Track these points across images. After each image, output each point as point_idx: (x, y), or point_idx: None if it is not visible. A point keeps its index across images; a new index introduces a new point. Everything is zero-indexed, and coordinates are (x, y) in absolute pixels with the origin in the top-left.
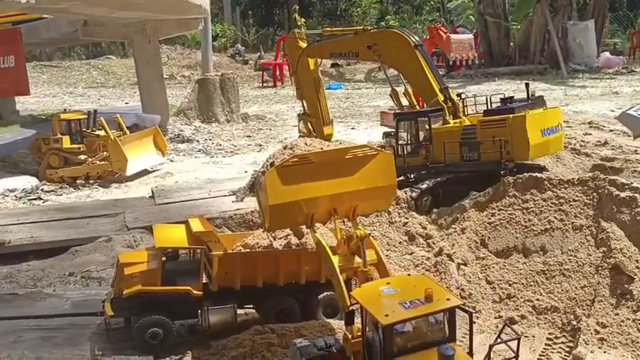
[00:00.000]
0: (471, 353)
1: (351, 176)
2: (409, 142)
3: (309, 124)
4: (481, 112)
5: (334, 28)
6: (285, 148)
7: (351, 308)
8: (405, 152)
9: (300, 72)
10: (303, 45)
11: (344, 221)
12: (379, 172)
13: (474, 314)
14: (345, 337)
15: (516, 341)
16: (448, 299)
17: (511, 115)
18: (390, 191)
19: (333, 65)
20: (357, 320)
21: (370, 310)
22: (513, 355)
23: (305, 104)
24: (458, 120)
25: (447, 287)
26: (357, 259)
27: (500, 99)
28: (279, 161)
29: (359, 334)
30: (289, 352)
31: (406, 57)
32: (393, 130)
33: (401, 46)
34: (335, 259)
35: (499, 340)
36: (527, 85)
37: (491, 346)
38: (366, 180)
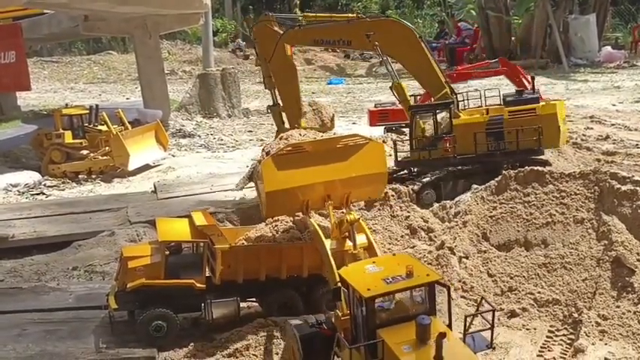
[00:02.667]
0: (450, 325)
1: (344, 164)
2: (427, 135)
3: (282, 115)
4: (475, 107)
5: (316, 14)
6: (280, 138)
7: (337, 285)
8: (421, 146)
9: (276, 60)
10: (279, 30)
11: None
12: (370, 160)
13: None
14: (335, 314)
15: (491, 313)
16: (428, 275)
17: (540, 104)
18: (380, 178)
19: (346, 56)
20: None
21: (354, 285)
22: (489, 326)
23: (277, 95)
24: (480, 110)
25: (449, 280)
26: (349, 243)
27: (516, 91)
28: (275, 150)
29: (347, 312)
30: (286, 331)
31: (410, 48)
32: (394, 125)
33: (405, 37)
34: (327, 242)
35: (477, 312)
36: (532, 78)
37: (466, 317)
38: (357, 167)
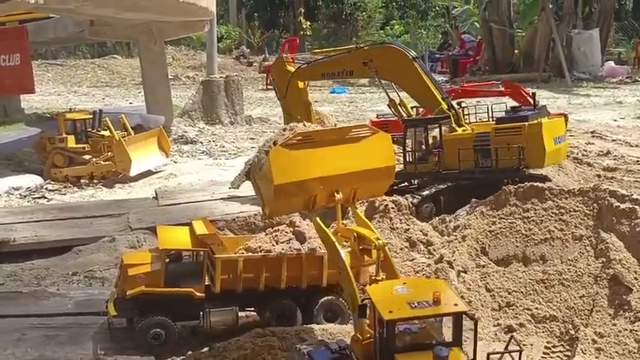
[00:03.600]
0: (474, 358)
1: (353, 156)
2: (418, 148)
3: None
4: (483, 121)
5: (323, 50)
6: (284, 130)
7: (364, 303)
8: (413, 159)
9: (291, 97)
10: (292, 69)
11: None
12: (379, 152)
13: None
14: (353, 338)
15: (518, 353)
16: (455, 304)
17: (527, 123)
18: (389, 172)
19: None
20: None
21: (377, 306)
22: None
23: None
24: (467, 127)
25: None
26: (367, 258)
27: (511, 107)
28: (283, 140)
29: (368, 335)
30: (291, 356)
31: (404, 70)
32: (395, 137)
33: (398, 60)
34: (346, 255)
35: (501, 350)
36: (533, 94)
37: (489, 355)
38: (367, 160)
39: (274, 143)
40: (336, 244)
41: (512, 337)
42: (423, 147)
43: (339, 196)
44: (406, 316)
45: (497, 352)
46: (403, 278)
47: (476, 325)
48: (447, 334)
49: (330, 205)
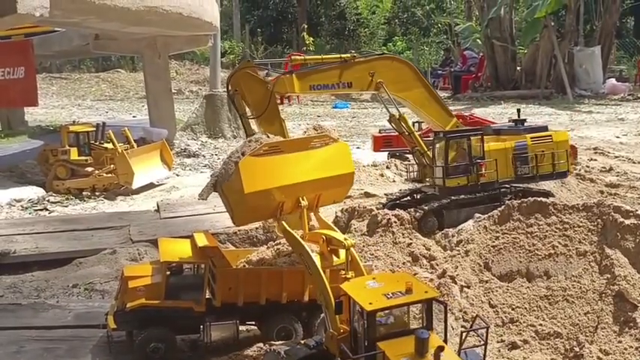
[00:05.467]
0: (445, 340)
1: (317, 164)
2: (455, 162)
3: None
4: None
5: (305, 57)
6: (250, 141)
7: (340, 299)
8: (447, 173)
9: (268, 114)
10: (266, 78)
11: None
12: (340, 160)
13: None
14: (328, 334)
15: (485, 330)
16: (426, 292)
17: (555, 131)
18: (349, 179)
19: None
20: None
21: (357, 300)
22: (483, 342)
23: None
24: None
25: (450, 309)
26: (335, 258)
27: (513, 120)
28: (251, 150)
29: (342, 331)
30: (268, 357)
31: (414, 84)
32: (398, 151)
33: (406, 74)
34: (316, 257)
35: (471, 329)
36: (518, 110)
37: (462, 333)
38: (330, 168)
39: (242, 154)
40: (305, 245)
41: (477, 315)
42: (461, 159)
43: (304, 202)
44: (385, 305)
45: (466, 330)
46: (371, 274)
47: (446, 309)
48: (414, 322)
49: (295, 211)
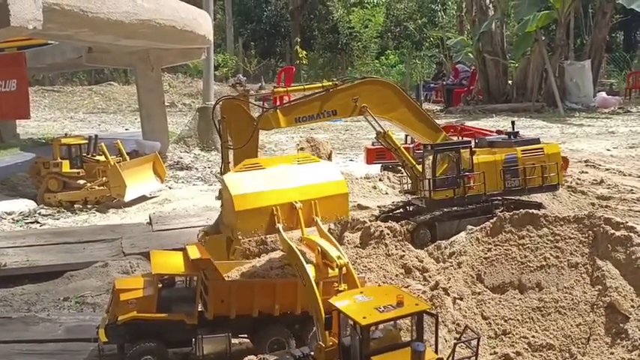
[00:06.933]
0: (436, 351)
1: (300, 174)
2: (451, 173)
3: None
4: None
5: (287, 88)
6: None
7: (330, 315)
8: (434, 186)
9: (248, 147)
10: (249, 112)
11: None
12: (325, 172)
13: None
14: (317, 346)
15: (476, 340)
16: (417, 304)
17: (546, 144)
18: (341, 186)
19: None
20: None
21: (350, 314)
22: (473, 353)
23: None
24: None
25: (443, 321)
26: (330, 271)
27: (506, 133)
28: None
29: (330, 344)
30: None
31: (397, 105)
32: (390, 164)
33: (389, 95)
34: (310, 269)
35: (461, 340)
36: (512, 123)
37: (455, 344)
38: (315, 177)
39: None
40: (301, 257)
41: (466, 326)
42: (450, 172)
43: (298, 204)
44: (379, 319)
45: (458, 342)
46: (359, 288)
47: (437, 321)
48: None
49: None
